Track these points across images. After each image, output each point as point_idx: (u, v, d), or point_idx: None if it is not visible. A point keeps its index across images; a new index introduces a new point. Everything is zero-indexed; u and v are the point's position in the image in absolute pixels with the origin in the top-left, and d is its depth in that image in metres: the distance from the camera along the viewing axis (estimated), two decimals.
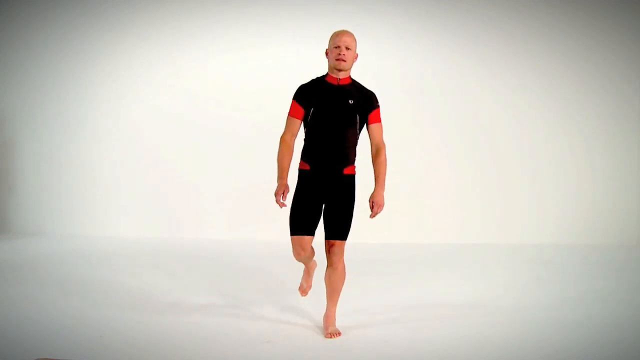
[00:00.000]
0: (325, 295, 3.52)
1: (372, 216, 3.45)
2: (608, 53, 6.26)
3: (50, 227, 6.58)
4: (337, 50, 3.38)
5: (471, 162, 6.37)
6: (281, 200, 3.43)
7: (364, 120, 3.46)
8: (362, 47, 5.99)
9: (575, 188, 6.34)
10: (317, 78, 3.49)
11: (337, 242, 3.42)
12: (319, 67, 5.37)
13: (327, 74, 3.48)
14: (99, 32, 6.48)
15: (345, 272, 3.48)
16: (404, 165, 6.01)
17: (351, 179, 3.47)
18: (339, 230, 3.41)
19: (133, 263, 5.20)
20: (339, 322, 3.49)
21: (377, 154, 3.47)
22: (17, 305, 3.89)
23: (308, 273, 3.72)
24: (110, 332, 3.41)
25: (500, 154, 6.37)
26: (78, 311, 3.80)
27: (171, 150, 6.48)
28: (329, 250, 3.43)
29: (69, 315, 3.70)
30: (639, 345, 3.27)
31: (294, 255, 3.50)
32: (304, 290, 3.75)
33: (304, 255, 3.50)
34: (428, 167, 6.37)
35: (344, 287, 3.54)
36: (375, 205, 3.41)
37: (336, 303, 3.49)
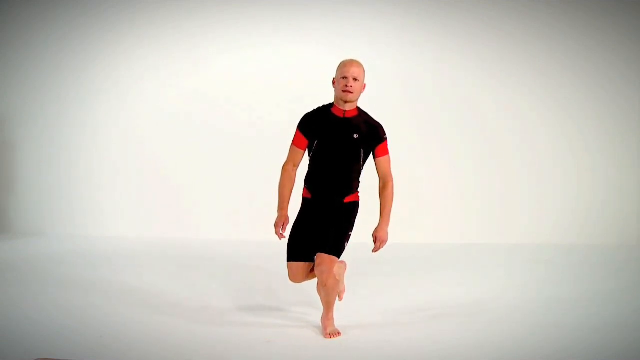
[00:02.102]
0: (320, 302, 3.49)
1: (374, 251, 3.42)
2: (608, 53, 6.25)
3: (50, 227, 6.57)
4: (344, 82, 3.25)
5: (471, 162, 6.36)
6: (280, 232, 3.40)
7: (369, 153, 3.39)
8: (362, 47, 6.06)
9: (575, 188, 6.33)
10: (323, 107, 3.39)
11: (326, 258, 3.26)
12: (318, 68, 5.40)
13: (332, 104, 3.37)
14: (99, 32, 6.47)
15: (337, 285, 3.37)
16: (403, 165, 6.00)
17: (351, 205, 3.42)
18: (328, 243, 3.28)
19: (133, 263, 5.20)
20: (339, 322, 3.48)
21: (384, 187, 3.40)
22: (17, 305, 3.90)
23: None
24: (110, 332, 3.41)
25: (500, 154, 6.36)
26: (78, 311, 3.80)
27: (171, 150, 6.47)
28: (317, 266, 3.29)
29: (69, 315, 3.70)
30: (639, 345, 3.27)
31: (290, 279, 3.48)
32: (338, 294, 3.64)
33: (300, 281, 3.47)
34: (428, 167, 6.37)
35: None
36: (377, 241, 3.37)
37: (332, 309, 3.42)
